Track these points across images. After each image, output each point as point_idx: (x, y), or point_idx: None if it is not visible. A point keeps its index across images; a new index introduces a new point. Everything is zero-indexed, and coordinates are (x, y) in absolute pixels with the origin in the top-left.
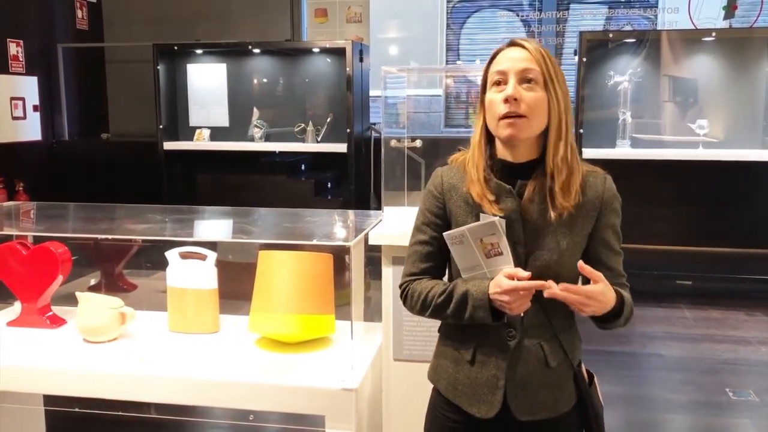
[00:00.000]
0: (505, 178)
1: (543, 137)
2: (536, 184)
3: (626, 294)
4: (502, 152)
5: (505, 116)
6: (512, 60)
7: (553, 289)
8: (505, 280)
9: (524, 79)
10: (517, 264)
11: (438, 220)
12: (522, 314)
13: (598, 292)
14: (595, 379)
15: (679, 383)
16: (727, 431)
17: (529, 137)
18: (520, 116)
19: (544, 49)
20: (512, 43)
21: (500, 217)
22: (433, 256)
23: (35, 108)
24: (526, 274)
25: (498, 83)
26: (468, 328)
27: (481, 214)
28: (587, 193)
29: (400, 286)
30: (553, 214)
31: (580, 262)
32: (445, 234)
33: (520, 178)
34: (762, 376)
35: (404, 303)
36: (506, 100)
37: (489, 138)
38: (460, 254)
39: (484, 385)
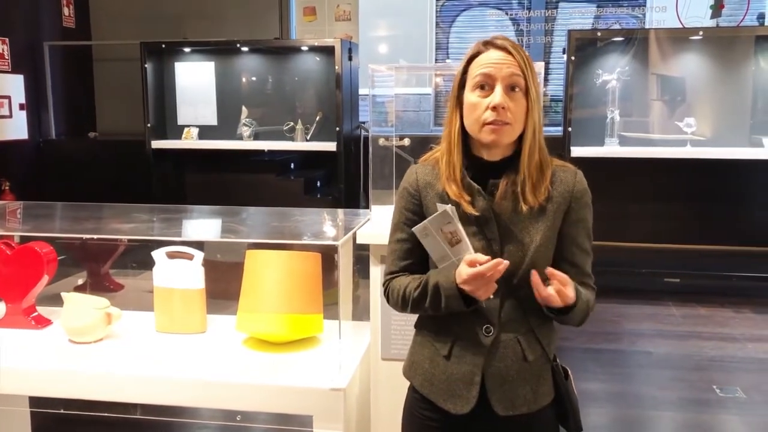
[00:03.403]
0: (478, 175)
1: (519, 137)
2: (508, 182)
3: (586, 293)
4: (478, 151)
5: (491, 123)
6: (499, 65)
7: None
8: (465, 268)
9: (509, 86)
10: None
11: (415, 216)
12: (500, 309)
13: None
14: (570, 373)
15: (666, 380)
16: (714, 428)
17: (510, 141)
18: (506, 123)
19: (523, 51)
20: (494, 45)
21: (476, 215)
22: (411, 253)
23: (21, 106)
24: (485, 258)
25: (482, 87)
26: (445, 323)
27: (438, 204)
28: (557, 187)
29: (383, 285)
30: (523, 207)
31: (549, 269)
32: (413, 229)
33: (493, 176)
34: (749, 373)
35: (388, 301)
36: (494, 108)
37: (464, 135)
38: (430, 246)
39: (460, 380)
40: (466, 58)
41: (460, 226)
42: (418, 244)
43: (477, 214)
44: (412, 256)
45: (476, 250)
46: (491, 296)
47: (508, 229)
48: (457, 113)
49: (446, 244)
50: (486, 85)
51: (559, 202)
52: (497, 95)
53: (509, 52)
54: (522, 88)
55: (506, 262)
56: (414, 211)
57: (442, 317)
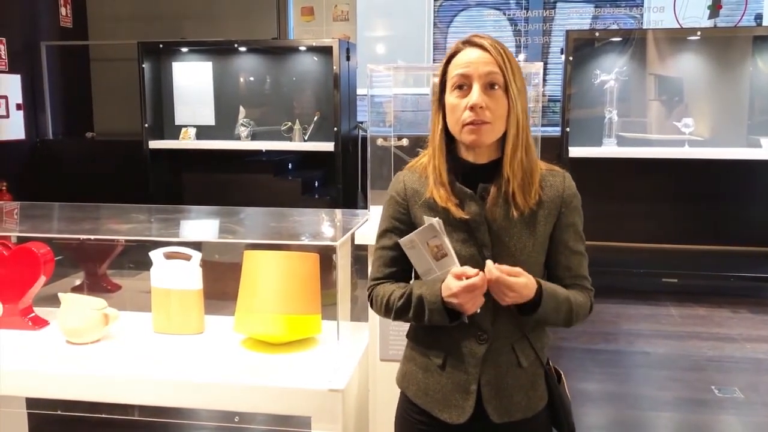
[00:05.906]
0: (467, 180)
1: (503, 138)
2: (498, 186)
3: (574, 294)
4: (464, 153)
5: (470, 123)
6: (475, 63)
7: (491, 271)
8: (453, 281)
9: (488, 84)
10: (483, 268)
11: (402, 225)
12: (493, 316)
13: (520, 285)
14: (563, 376)
15: (665, 380)
16: (713, 428)
17: (492, 141)
18: (485, 122)
19: (502, 47)
20: (471, 43)
21: (467, 220)
22: (396, 261)
23: (18, 106)
24: (474, 271)
25: (460, 87)
26: (437, 333)
27: (424, 217)
28: (547, 192)
29: (367, 290)
30: (515, 213)
31: (489, 264)
32: (399, 241)
33: (483, 180)
34: (747, 373)
35: (371, 307)
36: (472, 108)
37: (449, 138)
38: (415, 259)
39: (456, 390)
40: (445, 59)
41: (446, 240)
42: (404, 253)
43: (467, 217)
44: (397, 264)
45: (467, 258)
46: (477, 310)
47: (500, 235)
48: (440, 115)
49: (431, 258)
50: (464, 85)
51: (549, 207)
52: (474, 94)
53: (486, 50)
54: (501, 85)
55: (496, 273)
56: (401, 220)
57: (435, 326)
